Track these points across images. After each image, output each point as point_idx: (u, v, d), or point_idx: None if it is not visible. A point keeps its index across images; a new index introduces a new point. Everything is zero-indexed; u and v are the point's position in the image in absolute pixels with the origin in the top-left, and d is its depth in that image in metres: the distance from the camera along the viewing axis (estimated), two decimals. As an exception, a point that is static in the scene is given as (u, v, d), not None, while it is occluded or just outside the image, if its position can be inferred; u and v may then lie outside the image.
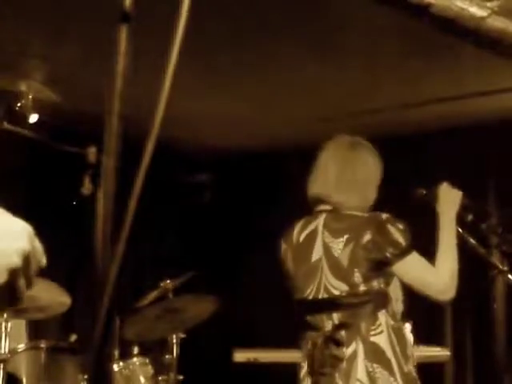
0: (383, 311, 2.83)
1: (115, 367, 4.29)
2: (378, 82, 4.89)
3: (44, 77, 3.90)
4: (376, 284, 2.84)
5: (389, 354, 2.78)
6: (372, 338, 2.79)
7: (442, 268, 2.86)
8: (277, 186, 6.47)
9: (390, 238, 2.80)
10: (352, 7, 3.77)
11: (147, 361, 4.42)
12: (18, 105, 3.26)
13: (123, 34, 1.24)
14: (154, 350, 4.67)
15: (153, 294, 4.61)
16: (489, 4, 2.20)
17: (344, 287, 2.87)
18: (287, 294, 6.39)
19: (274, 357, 5.05)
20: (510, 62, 4.03)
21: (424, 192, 3.11)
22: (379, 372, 2.75)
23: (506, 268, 3.14)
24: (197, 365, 5.09)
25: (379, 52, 4.38)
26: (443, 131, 5.66)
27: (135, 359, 4.40)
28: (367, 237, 2.82)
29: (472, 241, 3.08)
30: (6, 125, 2.93)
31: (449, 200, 2.98)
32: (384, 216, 2.85)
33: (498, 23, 2.80)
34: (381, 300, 2.84)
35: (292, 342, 4.99)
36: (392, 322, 2.82)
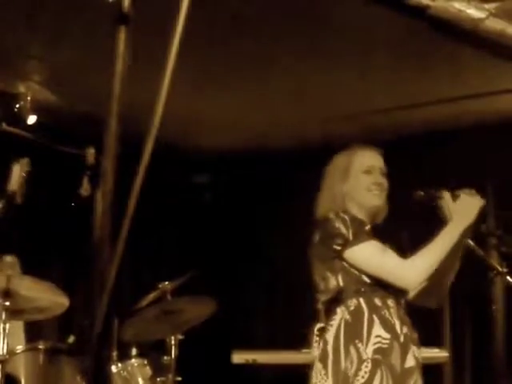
0: (342, 307, 2.89)
1: (113, 368, 4.28)
2: (376, 83, 4.89)
3: (43, 78, 3.90)
4: (334, 282, 2.92)
5: (329, 348, 2.85)
6: (326, 334, 2.90)
7: (414, 259, 2.88)
8: (276, 186, 6.47)
9: (334, 231, 2.89)
10: (350, 9, 3.77)
11: (145, 362, 4.42)
12: (17, 106, 3.26)
13: (122, 34, 1.24)
14: (152, 351, 4.67)
15: (151, 296, 4.61)
16: (487, 6, 2.20)
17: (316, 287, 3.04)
18: (285, 295, 6.40)
19: (272, 358, 5.05)
20: (508, 63, 4.03)
21: (422, 193, 3.11)
22: (315, 364, 2.89)
23: (504, 269, 3.14)
24: (195, 366, 5.08)
25: (378, 53, 4.38)
26: (442, 132, 5.66)
27: (133, 360, 4.40)
28: (316, 237, 2.97)
29: (471, 242, 3.08)
30: (4, 126, 2.93)
31: (464, 211, 2.93)
32: (331, 214, 2.93)
33: (496, 25, 2.79)
34: (338, 296, 2.92)
35: (290, 344, 5.00)
36: (348, 317, 2.87)
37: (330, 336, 2.86)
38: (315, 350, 3.09)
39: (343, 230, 2.88)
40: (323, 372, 2.84)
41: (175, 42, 1.24)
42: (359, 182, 3.04)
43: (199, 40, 3.84)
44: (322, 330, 3.23)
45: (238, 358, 4.99)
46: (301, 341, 4.45)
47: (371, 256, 2.88)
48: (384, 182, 3.08)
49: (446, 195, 2.99)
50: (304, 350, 4.56)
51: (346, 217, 2.90)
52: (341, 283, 2.91)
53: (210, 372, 5.78)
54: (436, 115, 5.46)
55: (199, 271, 4.75)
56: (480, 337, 5.47)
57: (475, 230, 3.08)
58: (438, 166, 5.49)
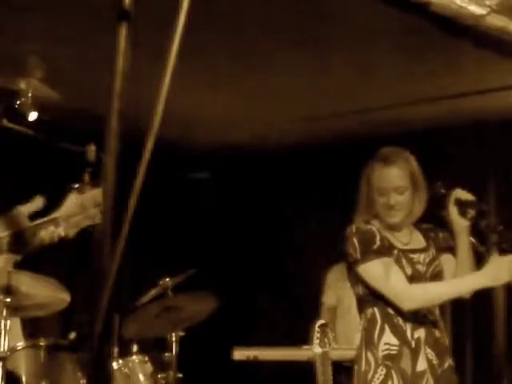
0: (362, 314, 3.09)
1: (114, 365, 4.28)
2: (375, 82, 4.88)
3: (43, 75, 3.90)
4: (359, 290, 3.09)
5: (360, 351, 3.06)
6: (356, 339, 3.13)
7: (418, 287, 3.01)
8: (276, 183, 6.46)
9: (348, 249, 3.07)
10: (351, 6, 3.77)
11: (146, 359, 4.42)
12: (18, 103, 3.26)
13: (123, 32, 1.24)
14: (153, 347, 4.67)
15: (152, 292, 4.61)
16: (488, 2, 2.20)
17: None
18: (286, 292, 6.40)
19: (273, 355, 5.05)
20: (509, 59, 4.02)
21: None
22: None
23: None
24: (196, 363, 5.09)
25: (378, 51, 4.37)
26: (443, 130, 5.65)
27: (134, 357, 4.40)
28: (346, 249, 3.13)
29: (471, 239, 3.08)
30: (5, 123, 2.93)
31: (491, 274, 2.96)
32: (352, 229, 3.08)
33: (497, 21, 2.79)
34: (360, 304, 3.12)
35: (291, 340, 5.00)
36: (366, 325, 3.05)
37: (357, 344, 3.09)
38: (316, 347, 3.25)
39: (352, 250, 3.04)
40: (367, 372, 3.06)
41: (176, 39, 1.24)
42: (376, 199, 3.08)
43: (198, 39, 3.83)
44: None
45: (239, 354, 4.99)
46: (302, 337, 4.46)
47: (374, 275, 3.01)
48: (398, 201, 3.04)
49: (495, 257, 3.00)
50: (305, 347, 4.56)
51: (355, 238, 3.03)
52: (361, 292, 3.09)
53: (211, 368, 5.79)
54: (436, 113, 5.45)
55: (200, 268, 4.75)
56: (480, 335, 5.47)
57: (476, 227, 3.09)
58: (438, 163, 5.47)
